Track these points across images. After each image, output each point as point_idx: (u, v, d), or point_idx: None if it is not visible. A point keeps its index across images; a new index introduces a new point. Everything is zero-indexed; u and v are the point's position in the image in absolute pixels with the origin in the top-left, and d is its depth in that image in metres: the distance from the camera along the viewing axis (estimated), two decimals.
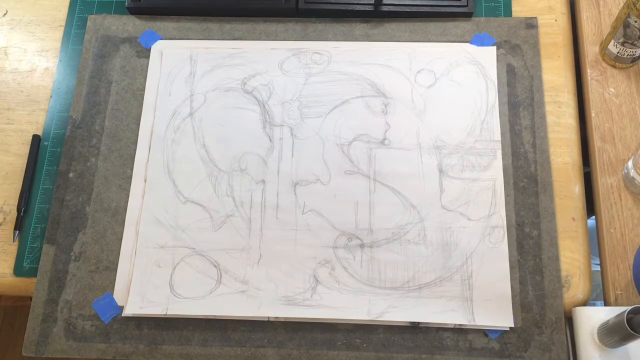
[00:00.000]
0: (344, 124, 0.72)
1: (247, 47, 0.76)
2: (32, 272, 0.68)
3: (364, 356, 0.63)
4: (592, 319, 0.61)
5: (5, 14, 0.81)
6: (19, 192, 0.71)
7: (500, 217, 0.67)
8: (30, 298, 0.67)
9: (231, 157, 0.71)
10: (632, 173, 0.66)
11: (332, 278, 0.65)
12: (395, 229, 0.67)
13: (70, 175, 0.71)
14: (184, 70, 0.75)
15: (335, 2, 0.76)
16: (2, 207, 0.71)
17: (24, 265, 0.69)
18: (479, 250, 0.66)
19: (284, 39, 0.77)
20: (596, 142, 0.70)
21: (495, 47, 0.75)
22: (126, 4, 0.78)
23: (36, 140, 0.73)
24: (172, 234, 0.68)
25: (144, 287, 0.66)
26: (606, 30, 0.75)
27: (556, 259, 0.66)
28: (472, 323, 0.63)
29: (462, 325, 0.63)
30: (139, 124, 0.73)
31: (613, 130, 0.70)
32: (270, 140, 0.72)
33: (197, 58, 0.76)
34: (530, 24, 0.76)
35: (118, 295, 0.66)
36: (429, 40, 0.76)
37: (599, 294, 0.70)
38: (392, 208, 0.68)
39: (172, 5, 0.77)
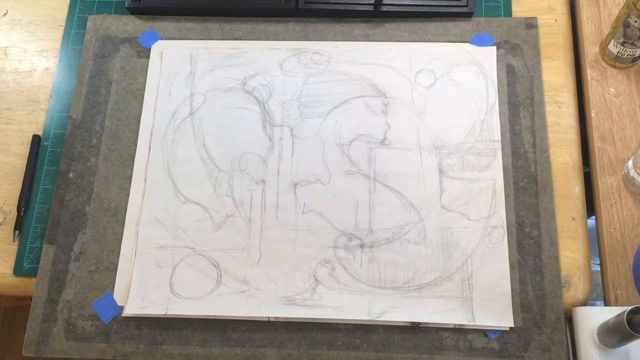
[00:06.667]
0: (344, 124, 0.72)
1: (247, 47, 0.76)
2: (32, 272, 0.68)
3: (364, 356, 0.63)
4: (592, 319, 0.61)
5: (5, 14, 0.81)
6: (19, 192, 0.71)
7: (500, 217, 0.67)
8: (30, 298, 0.67)
9: (231, 157, 0.71)
10: (632, 173, 0.66)
11: (332, 278, 0.65)
12: (395, 229, 0.67)
13: (70, 175, 0.71)
14: (184, 70, 0.75)
15: (335, 2, 0.76)
16: (2, 207, 0.71)
17: (24, 265, 0.69)
18: (479, 250, 0.66)
19: (284, 39, 0.77)
20: (596, 142, 0.70)
21: (495, 47, 0.75)
22: (126, 4, 0.78)
23: (36, 140, 0.73)
24: (172, 234, 0.68)
25: (144, 287, 0.66)
26: (606, 30, 0.75)
27: (556, 259, 0.66)
28: (472, 323, 0.63)
29: (462, 325, 0.63)
30: (139, 124, 0.73)
31: (613, 130, 0.70)
32: (270, 140, 0.72)
33: (197, 58, 0.76)
34: (530, 24, 0.76)
35: (118, 295, 0.66)
36: (429, 40, 0.76)
37: (599, 294, 0.70)
38: (392, 208, 0.68)
39: (172, 5, 0.77)
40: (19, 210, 0.70)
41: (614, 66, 0.73)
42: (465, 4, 0.76)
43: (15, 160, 0.73)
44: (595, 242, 0.68)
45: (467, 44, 0.75)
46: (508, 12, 0.77)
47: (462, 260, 0.66)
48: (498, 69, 0.74)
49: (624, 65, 0.72)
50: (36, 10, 0.81)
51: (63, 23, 0.80)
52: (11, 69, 0.78)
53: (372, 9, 0.76)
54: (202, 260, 0.67)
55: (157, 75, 0.75)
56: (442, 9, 0.76)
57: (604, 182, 0.68)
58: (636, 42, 0.68)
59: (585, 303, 0.65)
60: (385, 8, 0.76)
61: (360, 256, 0.66)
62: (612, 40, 0.70)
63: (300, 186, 0.69)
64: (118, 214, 0.69)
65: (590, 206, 0.70)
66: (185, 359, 0.64)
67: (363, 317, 0.64)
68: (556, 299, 0.64)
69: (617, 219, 0.67)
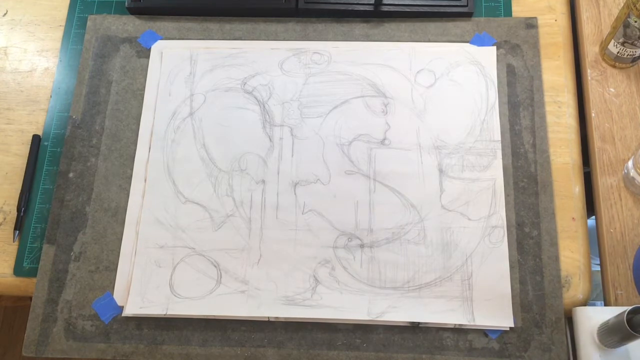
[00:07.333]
0: (344, 124, 0.72)
1: (247, 47, 0.76)
2: (32, 272, 0.68)
3: (364, 356, 0.63)
4: (592, 319, 0.61)
5: (5, 14, 0.81)
6: (19, 192, 0.71)
7: (500, 217, 0.67)
8: (30, 298, 0.67)
9: (231, 157, 0.71)
10: (632, 173, 0.66)
11: (332, 278, 0.65)
12: (395, 229, 0.67)
13: (70, 175, 0.71)
14: (184, 70, 0.75)
15: (335, 2, 0.76)
16: (2, 207, 0.71)
17: (24, 265, 0.69)
18: (479, 250, 0.66)
19: (284, 39, 0.77)
20: (596, 142, 0.70)
21: (495, 47, 0.75)
22: (126, 4, 0.78)
23: (36, 140, 0.73)
24: (172, 234, 0.68)
25: (144, 287, 0.66)
26: (606, 30, 0.75)
27: (556, 259, 0.66)
28: (472, 323, 0.63)
29: (462, 325, 0.63)
30: (139, 124, 0.73)
31: (613, 130, 0.70)
32: (270, 140, 0.72)
33: (197, 58, 0.76)
34: (530, 24, 0.76)
35: (118, 295, 0.66)
36: (429, 40, 0.76)
37: (599, 294, 0.70)
38: (392, 208, 0.68)
39: (172, 5, 0.77)
40: (19, 210, 0.70)
41: (614, 66, 0.73)
42: (465, 4, 0.76)
43: (15, 160, 0.73)
44: (595, 242, 0.68)
45: (467, 44, 0.75)
46: (508, 12, 0.77)
47: (462, 260, 0.66)
48: (498, 69, 0.74)
49: (624, 65, 0.72)
50: (36, 10, 0.81)
51: (63, 23, 0.80)
52: (11, 69, 0.78)
53: (372, 9, 0.76)
54: (202, 260, 0.67)
55: (157, 75, 0.75)
56: (442, 9, 0.76)
57: (604, 182, 0.68)
58: (636, 42, 0.68)
59: (585, 303, 0.65)
60: (385, 8, 0.76)
61: (360, 256, 0.66)
62: (612, 40, 0.70)
63: (300, 186, 0.69)
64: (118, 214, 0.69)
65: (590, 206, 0.70)
66: (185, 359, 0.64)
67: (363, 317, 0.64)
68: (556, 299, 0.64)
69: (617, 219, 0.67)
